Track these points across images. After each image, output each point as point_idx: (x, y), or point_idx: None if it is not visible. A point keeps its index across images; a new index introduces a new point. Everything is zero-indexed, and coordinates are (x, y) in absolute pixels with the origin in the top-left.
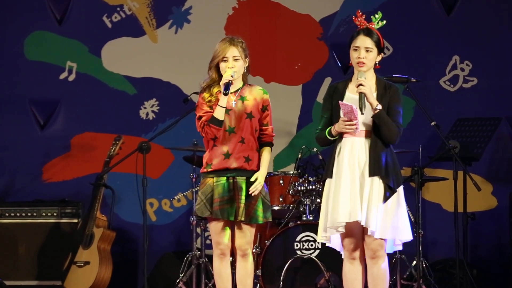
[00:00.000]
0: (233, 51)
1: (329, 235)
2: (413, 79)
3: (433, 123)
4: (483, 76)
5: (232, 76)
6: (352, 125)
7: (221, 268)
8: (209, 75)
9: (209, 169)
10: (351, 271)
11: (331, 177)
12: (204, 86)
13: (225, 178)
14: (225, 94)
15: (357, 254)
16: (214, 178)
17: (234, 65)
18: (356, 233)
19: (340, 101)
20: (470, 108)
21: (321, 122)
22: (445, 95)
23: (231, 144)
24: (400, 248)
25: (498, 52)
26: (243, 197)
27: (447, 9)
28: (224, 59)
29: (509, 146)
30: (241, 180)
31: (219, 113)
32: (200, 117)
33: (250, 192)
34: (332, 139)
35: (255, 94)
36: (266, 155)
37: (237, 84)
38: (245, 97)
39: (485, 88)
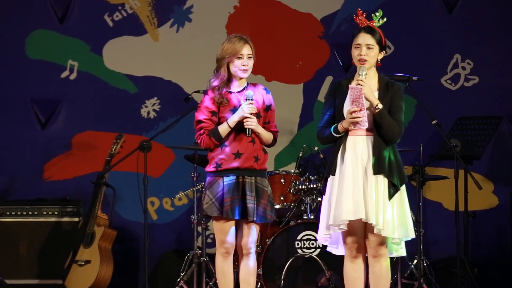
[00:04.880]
0: (247, 49)
1: (331, 233)
2: (414, 78)
3: (434, 122)
4: (485, 74)
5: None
6: (359, 116)
7: (224, 267)
8: (218, 73)
9: (219, 169)
10: (352, 270)
11: (334, 174)
12: (214, 86)
13: (234, 177)
14: (249, 135)
15: (359, 252)
16: (223, 177)
17: (247, 63)
18: (358, 231)
19: (350, 85)
20: (471, 107)
21: (322, 120)
22: (446, 93)
23: (242, 144)
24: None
25: (499, 50)
26: (253, 197)
27: (448, 8)
28: (240, 56)
29: (510, 144)
30: (250, 180)
31: (224, 131)
32: (199, 121)
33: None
34: (337, 136)
35: (259, 93)
36: (267, 132)
37: (242, 83)
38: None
39: (486, 86)
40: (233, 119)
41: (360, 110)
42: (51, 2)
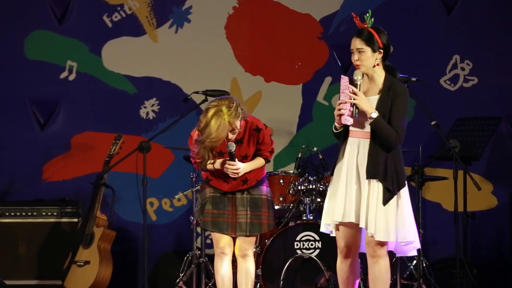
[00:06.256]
0: (231, 129)
1: (323, 230)
2: (414, 79)
3: (433, 123)
4: (484, 75)
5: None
6: (342, 108)
7: (222, 268)
8: (198, 151)
9: (208, 181)
10: (342, 269)
11: (332, 174)
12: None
13: (222, 191)
14: (235, 179)
15: (349, 252)
16: (212, 188)
17: (231, 137)
18: (349, 232)
19: (342, 75)
20: (471, 108)
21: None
22: (446, 94)
23: (229, 178)
24: (418, 246)
25: (499, 51)
26: (245, 211)
27: (448, 9)
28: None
29: (509, 145)
30: (241, 195)
31: (211, 170)
32: (191, 150)
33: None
34: (336, 131)
35: (251, 135)
36: (257, 160)
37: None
38: (241, 139)
39: (485, 87)
40: (217, 166)
41: (345, 102)
42: (50, 3)
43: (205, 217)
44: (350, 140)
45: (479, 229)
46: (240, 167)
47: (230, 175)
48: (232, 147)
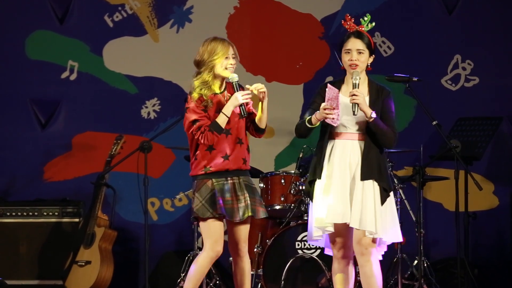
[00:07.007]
0: (232, 50)
1: (317, 234)
2: (415, 79)
3: (434, 123)
4: (485, 75)
5: (239, 86)
6: (330, 113)
7: (207, 268)
8: (201, 75)
9: (208, 171)
10: (337, 271)
11: (320, 178)
12: (198, 91)
13: (224, 179)
14: (243, 116)
15: (345, 254)
16: (213, 179)
17: (234, 62)
18: (344, 234)
19: (329, 84)
20: (472, 107)
21: (306, 113)
22: (447, 94)
23: (229, 146)
24: (386, 249)
25: (500, 51)
26: (245, 195)
27: (449, 9)
28: (227, 57)
29: (510, 145)
30: (238, 180)
31: (223, 122)
32: (195, 121)
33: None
34: (310, 126)
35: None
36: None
37: (223, 84)
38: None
39: (486, 87)
40: (228, 109)
41: (333, 108)
42: (51, 3)
43: (218, 204)
44: (338, 142)
45: (480, 229)
46: (251, 89)
47: (241, 100)
48: (235, 76)
